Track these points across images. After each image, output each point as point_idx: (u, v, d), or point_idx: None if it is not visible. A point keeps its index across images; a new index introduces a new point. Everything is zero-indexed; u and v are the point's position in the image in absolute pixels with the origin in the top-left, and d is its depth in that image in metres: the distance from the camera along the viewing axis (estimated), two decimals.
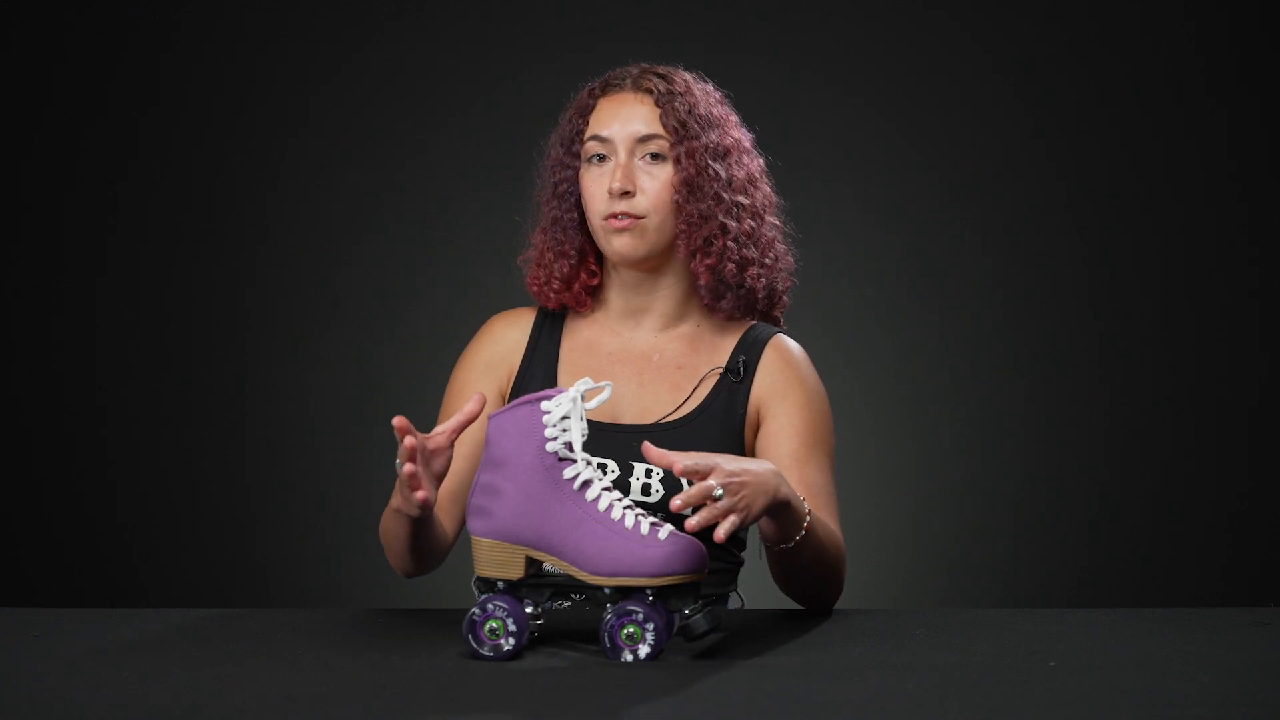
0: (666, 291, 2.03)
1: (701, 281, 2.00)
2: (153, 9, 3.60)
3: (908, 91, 3.56)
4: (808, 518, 1.78)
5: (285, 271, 3.60)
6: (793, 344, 2.05)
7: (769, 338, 2.03)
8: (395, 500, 1.78)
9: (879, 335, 3.57)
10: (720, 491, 1.62)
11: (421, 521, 1.81)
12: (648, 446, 1.63)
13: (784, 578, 1.87)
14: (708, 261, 1.99)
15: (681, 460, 1.61)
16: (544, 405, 1.60)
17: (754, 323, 2.06)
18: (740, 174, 2.01)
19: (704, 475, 1.62)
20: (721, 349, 2.02)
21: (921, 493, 3.57)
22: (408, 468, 1.67)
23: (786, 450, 1.95)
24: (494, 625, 1.59)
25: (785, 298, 2.08)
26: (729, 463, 1.64)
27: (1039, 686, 1.48)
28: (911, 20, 3.56)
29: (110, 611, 1.89)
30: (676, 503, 1.60)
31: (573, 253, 2.02)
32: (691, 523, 1.60)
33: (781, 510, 1.73)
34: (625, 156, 1.97)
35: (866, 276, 3.56)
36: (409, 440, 1.65)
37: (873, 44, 3.57)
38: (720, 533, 1.60)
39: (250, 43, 3.60)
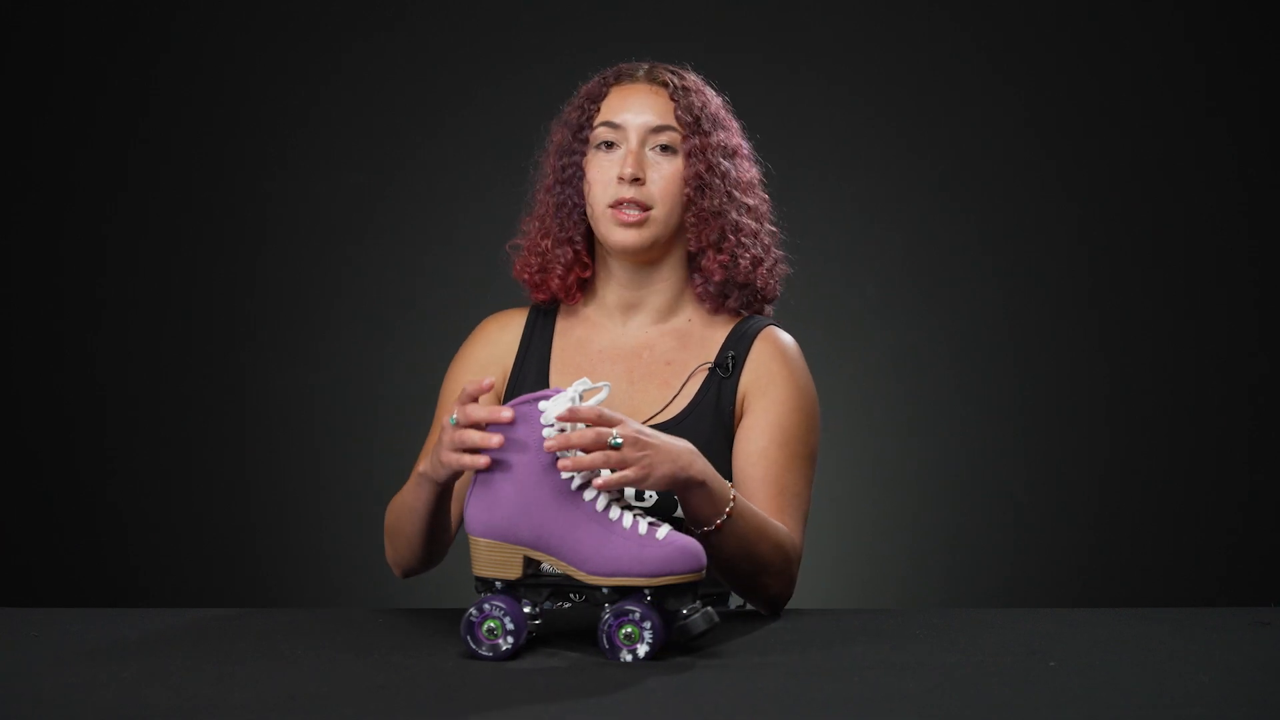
0: (661, 285, 2.01)
1: (716, 278, 1.99)
2: (152, 8, 3.60)
3: (908, 91, 3.56)
4: (731, 504, 1.76)
5: (285, 272, 3.60)
6: (784, 337, 2.01)
7: (759, 330, 2.01)
8: (424, 466, 1.76)
9: (879, 335, 3.57)
10: (619, 441, 1.61)
11: (445, 493, 1.79)
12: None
13: (712, 563, 1.83)
14: (721, 258, 1.98)
15: (596, 409, 1.61)
16: (541, 405, 1.60)
17: (746, 315, 2.03)
18: (745, 176, 2.02)
19: (610, 425, 1.62)
20: (711, 343, 2.00)
21: (921, 493, 3.57)
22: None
23: (757, 446, 1.93)
24: (492, 625, 1.59)
25: (770, 306, 2.08)
26: (640, 426, 1.65)
27: (1039, 686, 1.48)
28: (911, 20, 3.56)
29: (110, 611, 1.89)
30: (551, 444, 1.59)
31: (578, 238, 2.01)
32: (565, 463, 1.59)
33: (696, 490, 1.71)
34: (636, 145, 1.96)
35: (866, 275, 3.56)
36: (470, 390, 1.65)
37: (872, 44, 3.57)
38: (599, 481, 1.59)
39: (251, 42, 3.59)
